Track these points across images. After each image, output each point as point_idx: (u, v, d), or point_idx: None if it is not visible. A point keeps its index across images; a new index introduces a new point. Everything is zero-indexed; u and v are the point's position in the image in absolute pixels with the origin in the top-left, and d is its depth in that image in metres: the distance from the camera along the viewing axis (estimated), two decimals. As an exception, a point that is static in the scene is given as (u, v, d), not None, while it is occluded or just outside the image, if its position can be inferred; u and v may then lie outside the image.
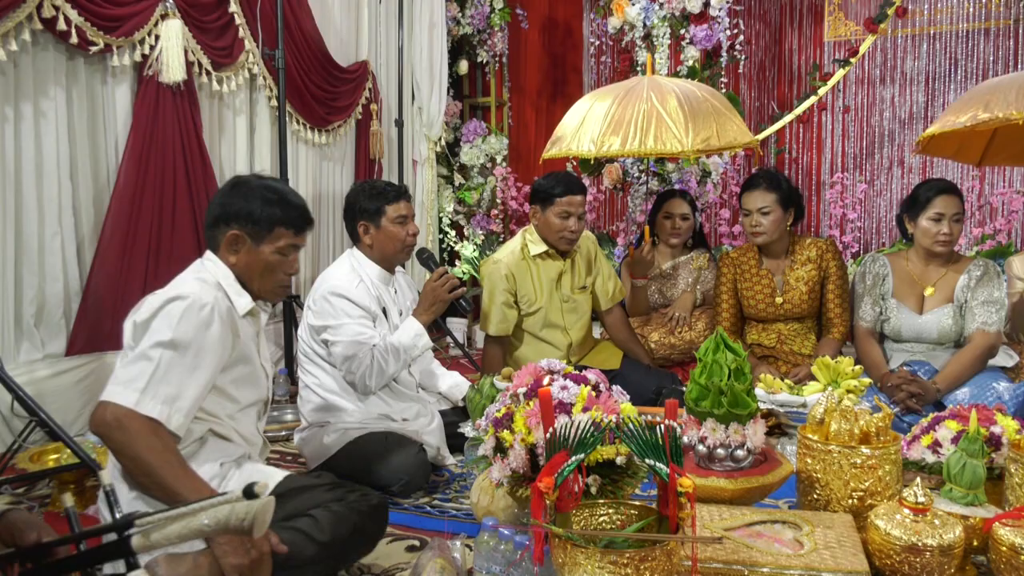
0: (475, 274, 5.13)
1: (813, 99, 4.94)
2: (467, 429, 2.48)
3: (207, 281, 1.95)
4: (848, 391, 2.72)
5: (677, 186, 4.48)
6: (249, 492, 1.15)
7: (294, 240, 2.04)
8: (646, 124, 3.28)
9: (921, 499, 1.74)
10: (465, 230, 5.49)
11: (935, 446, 2.11)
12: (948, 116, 2.90)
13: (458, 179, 5.50)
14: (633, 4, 4.61)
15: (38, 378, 2.88)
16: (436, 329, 2.97)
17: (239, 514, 1.15)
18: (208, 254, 2.04)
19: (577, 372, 2.09)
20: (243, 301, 2.00)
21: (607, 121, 3.36)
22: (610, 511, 1.63)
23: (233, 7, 3.57)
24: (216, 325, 1.85)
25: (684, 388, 2.39)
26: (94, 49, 2.98)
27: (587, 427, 1.58)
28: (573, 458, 1.53)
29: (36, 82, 2.89)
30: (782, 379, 3.13)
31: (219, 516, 1.15)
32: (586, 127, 3.43)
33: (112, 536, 1.20)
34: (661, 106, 3.31)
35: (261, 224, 1.99)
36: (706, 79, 4.57)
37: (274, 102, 3.85)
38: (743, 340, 3.63)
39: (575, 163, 4.90)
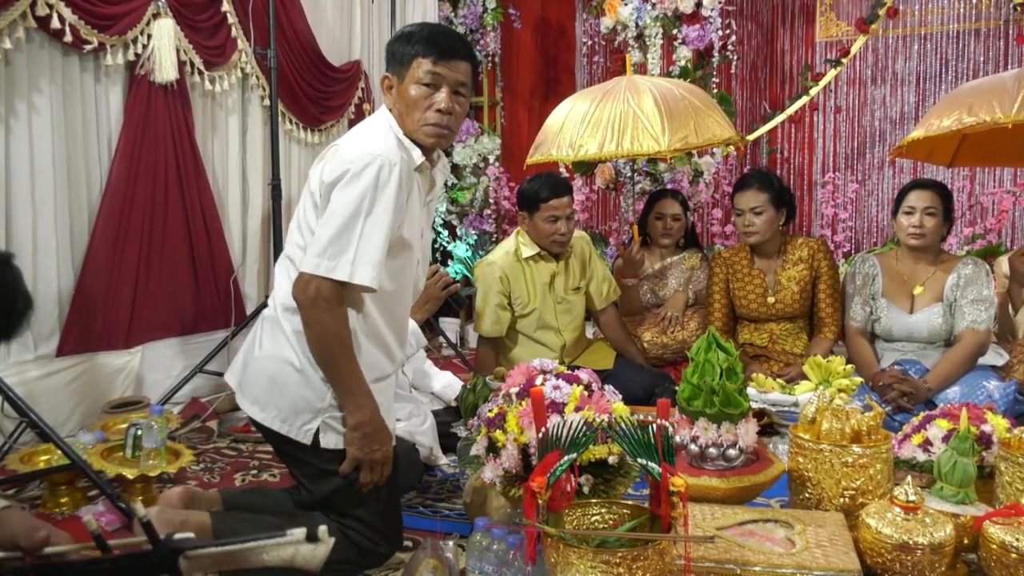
0: (468, 274, 5.13)
1: (805, 99, 4.95)
2: (460, 429, 2.48)
3: (388, 136, 1.93)
4: (839, 390, 2.73)
5: (669, 186, 4.49)
6: (312, 536, 1.13)
7: (433, 68, 1.92)
8: (622, 125, 3.29)
9: (912, 497, 1.74)
10: (458, 230, 5.48)
11: (926, 445, 2.12)
12: (931, 120, 2.91)
13: (451, 179, 5.49)
14: (625, 4, 4.61)
15: (29, 379, 2.87)
16: (429, 329, 2.97)
17: (305, 556, 1.14)
18: (383, 107, 2.03)
19: (569, 372, 2.09)
20: (415, 154, 1.96)
21: (584, 124, 3.37)
22: (602, 510, 1.64)
23: (225, 6, 3.56)
24: (398, 186, 1.86)
25: (677, 387, 2.39)
26: (88, 48, 2.97)
27: (579, 427, 1.58)
28: (565, 458, 1.53)
29: (30, 80, 2.88)
30: (774, 378, 3.14)
31: (283, 556, 1.14)
32: (565, 131, 3.44)
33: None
34: (637, 107, 3.31)
35: (398, 60, 1.96)
36: (698, 79, 4.57)
37: (267, 101, 3.84)
38: (735, 339, 3.64)
39: (566, 163, 4.91)
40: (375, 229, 1.82)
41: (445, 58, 1.93)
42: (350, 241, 1.80)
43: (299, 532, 1.14)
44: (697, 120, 3.33)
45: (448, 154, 5.46)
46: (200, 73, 3.49)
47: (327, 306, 1.82)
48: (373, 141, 1.89)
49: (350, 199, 1.82)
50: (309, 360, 1.89)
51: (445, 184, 5.49)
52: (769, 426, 2.91)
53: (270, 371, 1.93)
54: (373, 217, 1.82)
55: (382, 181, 1.83)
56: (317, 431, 1.89)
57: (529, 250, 3.34)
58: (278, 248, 3.78)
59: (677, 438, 2.02)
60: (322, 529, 1.16)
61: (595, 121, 3.35)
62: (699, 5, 4.50)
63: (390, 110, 2.00)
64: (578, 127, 3.38)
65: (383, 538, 1.95)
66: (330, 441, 1.89)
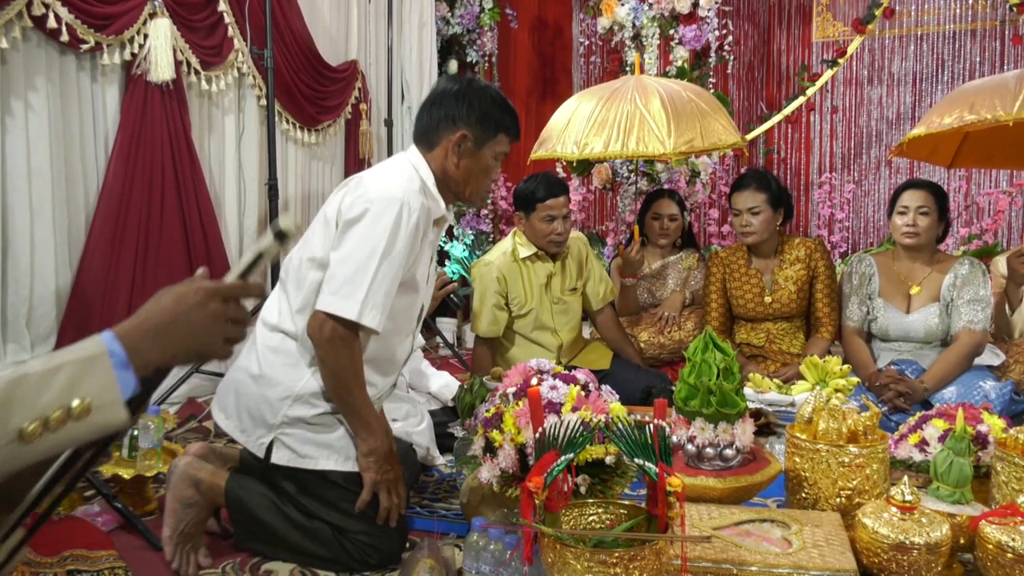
0: (465, 274, 5.13)
1: (801, 99, 4.96)
2: (457, 429, 2.47)
3: (414, 182, 1.98)
4: (836, 390, 2.73)
5: (666, 186, 4.49)
6: (280, 234, 1.14)
7: (507, 148, 2.11)
8: (628, 126, 3.28)
9: (908, 497, 1.75)
10: (455, 230, 5.48)
11: (922, 445, 2.12)
12: (932, 118, 2.92)
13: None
14: (622, 4, 4.62)
15: (25, 379, 2.86)
16: (427, 329, 2.96)
17: (277, 248, 1.16)
18: (413, 151, 2.07)
19: (566, 372, 2.09)
20: (439, 207, 2.05)
21: (590, 123, 3.37)
22: (599, 510, 1.64)
23: (222, 6, 3.56)
24: (415, 231, 1.91)
25: (673, 387, 2.39)
26: (84, 47, 2.97)
27: (576, 427, 1.58)
28: (562, 458, 1.53)
29: (26, 80, 2.88)
30: (771, 378, 3.14)
31: (272, 252, 1.15)
32: (571, 128, 3.44)
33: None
34: (644, 107, 3.31)
35: (488, 128, 2.03)
36: (695, 79, 4.58)
37: (263, 101, 3.84)
38: (732, 339, 3.64)
39: (564, 163, 4.91)
40: (389, 272, 1.88)
41: (518, 138, 2.12)
42: (363, 281, 1.85)
43: (269, 237, 1.14)
44: (703, 124, 3.33)
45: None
46: (196, 73, 3.49)
47: (343, 344, 1.88)
48: (397, 183, 1.94)
49: (368, 240, 1.86)
50: (265, 375, 1.95)
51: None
52: (766, 426, 2.92)
53: (236, 380, 2.01)
54: (389, 260, 1.87)
55: (402, 224, 1.88)
56: (271, 445, 1.95)
57: (526, 250, 3.34)
58: (275, 248, 3.78)
59: (674, 438, 2.02)
60: (286, 223, 1.16)
61: (601, 120, 3.35)
62: (696, 5, 4.51)
63: (443, 158, 2.04)
64: (584, 125, 3.38)
65: (375, 551, 1.96)
66: (282, 457, 1.95)
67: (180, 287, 1.05)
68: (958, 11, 4.82)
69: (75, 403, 0.92)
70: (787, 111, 4.98)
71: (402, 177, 1.98)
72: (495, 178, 2.15)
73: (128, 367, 0.98)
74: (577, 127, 3.41)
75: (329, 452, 1.96)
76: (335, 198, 1.98)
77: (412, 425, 2.74)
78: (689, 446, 2.00)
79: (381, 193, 1.90)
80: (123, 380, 0.97)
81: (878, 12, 4.71)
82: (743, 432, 1.98)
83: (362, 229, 1.87)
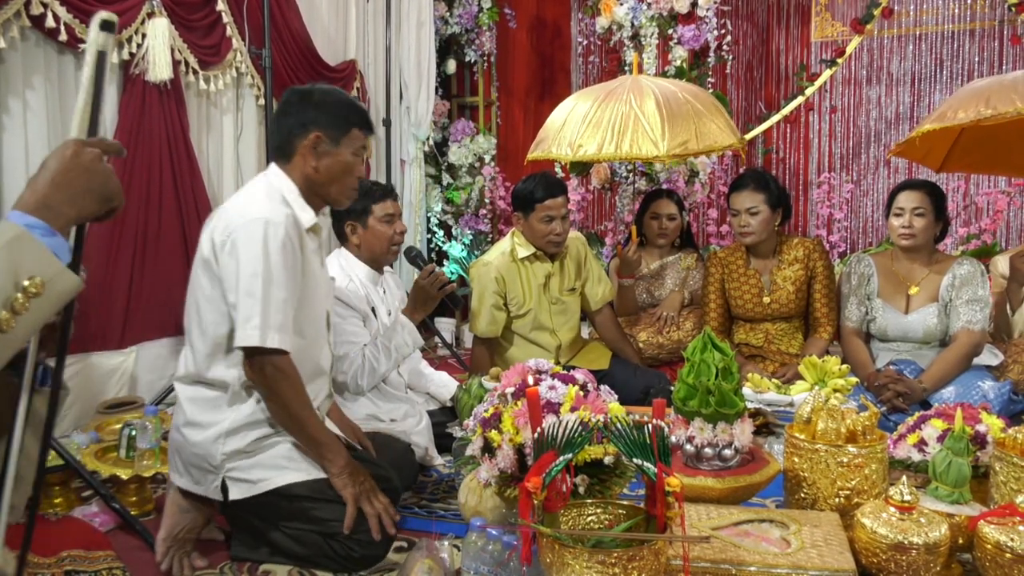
0: (464, 274, 5.13)
1: (800, 99, 4.96)
2: (455, 429, 2.47)
3: (273, 198, 2.00)
4: (835, 390, 2.73)
5: (665, 186, 4.49)
6: (105, 24, 1.17)
7: (365, 142, 2.11)
8: (622, 127, 3.28)
9: (907, 497, 1.74)
10: (453, 230, 5.48)
11: (921, 445, 2.12)
12: (945, 113, 2.91)
13: (446, 179, 5.49)
14: (621, 4, 4.62)
15: (23, 379, 2.86)
16: (425, 329, 2.96)
17: (111, 39, 1.19)
18: (272, 169, 2.09)
19: (565, 372, 2.09)
20: (306, 216, 2.06)
21: (585, 123, 3.36)
22: (598, 511, 1.64)
23: (220, 6, 3.55)
24: (286, 243, 1.93)
25: (672, 388, 2.39)
26: (83, 47, 2.96)
27: (575, 427, 1.58)
28: (561, 458, 1.53)
29: (25, 79, 2.87)
30: (770, 378, 3.14)
31: (109, 45, 1.18)
32: (566, 129, 3.43)
33: None
34: (639, 109, 3.30)
35: (340, 124, 2.05)
36: (694, 79, 4.58)
37: (261, 101, 3.84)
38: (731, 339, 3.64)
39: (562, 163, 4.90)
40: (276, 290, 1.89)
41: (372, 132, 2.12)
42: (254, 307, 1.87)
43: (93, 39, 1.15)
44: (699, 125, 3.32)
45: (443, 154, 5.45)
46: (195, 72, 3.48)
47: (280, 374, 1.91)
48: (255, 203, 1.97)
49: (244, 266, 1.88)
50: (192, 424, 1.99)
51: (440, 183, 5.47)
52: (765, 426, 2.91)
53: (174, 440, 2.05)
54: (271, 279, 1.89)
55: (270, 241, 1.90)
56: (224, 488, 1.97)
57: (525, 251, 3.34)
58: (273, 248, 3.77)
59: (673, 438, 2.02)
60: (102, 16, 1.17)
61: (596, 121, 3.34)
62: (695, 5, 4.51)
63: (302, 165, 2.04)
64: (579, 127, 3.37)
65: (358, 544, 1.97)
66: (239, 491, 1.97)
67: (52, 153, 1.10)
68: (957, 11, 4.82)
69: (26, 282, 0.96)
70: (786, 111, 4.98)
71: (260, 195, 2.00)
72: (360, 175, 2.14)
73: (52, 232, 1.01)
74: (572, 128, 3.41)
75: (279, 470, 1.98)
76: (205, 236, 1.99)
77: (411, 425, 2.73)
78: (688, 446, 2.00)
79: (243, 217, 1.92)
80: (55, 246, 1.01)
81: (877, 12, 4.71)
82: (742, 432, 1.98)
83: (236, 258, 1.89)
